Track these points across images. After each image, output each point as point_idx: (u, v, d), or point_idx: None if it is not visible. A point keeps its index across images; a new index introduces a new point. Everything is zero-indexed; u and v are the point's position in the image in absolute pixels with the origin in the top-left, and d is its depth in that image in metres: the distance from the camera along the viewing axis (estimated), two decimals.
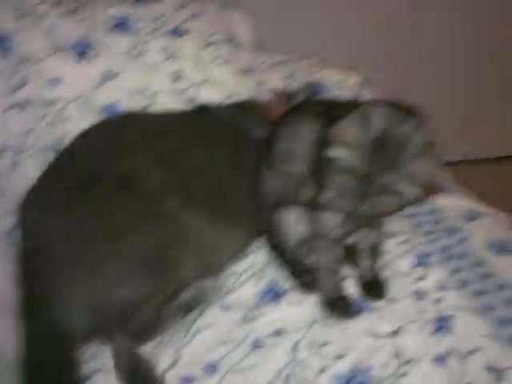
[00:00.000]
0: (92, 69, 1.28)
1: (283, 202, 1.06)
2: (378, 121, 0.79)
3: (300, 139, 1.00)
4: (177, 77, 1.37)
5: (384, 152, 0.78)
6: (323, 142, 0.90)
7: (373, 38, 2.18)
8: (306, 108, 1.08)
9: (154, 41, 1.35)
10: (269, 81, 1.57)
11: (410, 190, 0.83)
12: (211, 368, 0.92)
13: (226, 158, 1.16)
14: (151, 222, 1.00)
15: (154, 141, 1.11)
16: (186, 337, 0.98)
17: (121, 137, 1.13)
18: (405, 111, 0.83)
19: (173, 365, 0.94)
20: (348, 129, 0.80)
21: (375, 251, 1.05)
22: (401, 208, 0.88)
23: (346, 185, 0.81)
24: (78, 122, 1.23)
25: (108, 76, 1.30)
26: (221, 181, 1.13)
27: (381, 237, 1.06)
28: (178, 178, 1.06)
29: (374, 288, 1.03)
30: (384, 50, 2.22)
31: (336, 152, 0.80)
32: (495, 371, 0.86)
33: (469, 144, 2.57)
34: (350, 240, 1.04)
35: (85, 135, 1.16)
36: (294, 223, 1.06)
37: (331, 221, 0.97)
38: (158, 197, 1.02)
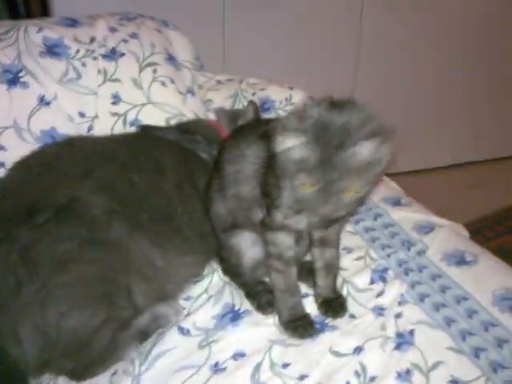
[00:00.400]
0: (26, 95, 1.27)
1: (234, 225, 1.04)
2: (313, 111, 0.77)
3: (247, 159, 0.98)
4: (116, 100, 1.36)
5: (327, 140, 0.77)
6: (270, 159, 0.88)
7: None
8: (250, 128, 1.07)
9: (89, 64, 1.34)
10: (214, 100, 1.57)
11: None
12: None
13: (173, 180, 1.14)
14: (96, 250, 0.96)
15: (95, 167, 1.07)
16: (144, 363, 0.93)
17: (60, 164, 1.09)
18: (339, 102, 0.81)
19: None
20: (286, 120, 0.78)
21: (332, 269, 1.04)
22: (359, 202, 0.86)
23: (302, 181, 0.78)
24: (15, 149, 1.20)
25: (43, 101, 1.28)
26: (168, 204, 1.11)
27: (337, 254, 1.04)
28: (121, 205, 1.03)
29: (333, 306, 1.01)
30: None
31: (281, 142, 0.78)
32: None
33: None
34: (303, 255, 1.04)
35: (22, 164, 1.11)
36: (247, 247, 1.04)
37: (284, 241, 0.95)
38: (102, 224, 0.99)
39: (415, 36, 2.41)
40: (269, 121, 0.98)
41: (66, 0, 1.79)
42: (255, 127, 1.04)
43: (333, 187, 0.76)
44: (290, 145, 0.76)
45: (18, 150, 1.19)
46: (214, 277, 1.12)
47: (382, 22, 2.31)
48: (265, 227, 0.96)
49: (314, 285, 1.05)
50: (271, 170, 0.88)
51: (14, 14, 2.00)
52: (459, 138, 2.75)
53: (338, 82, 2.31)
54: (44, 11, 1.83)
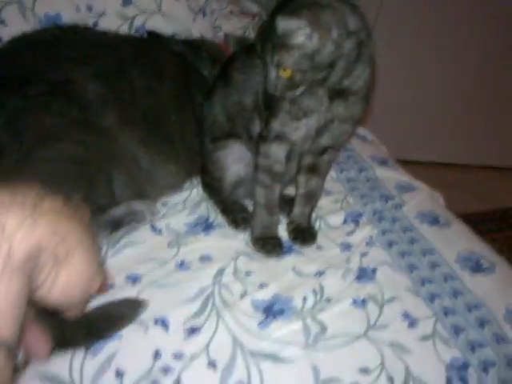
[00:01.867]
0: None
1: (230, 134, 1.06)
2: None
3: (255, 70, 1.00)
4: (126, 2, 1.34)
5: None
6: None
7: None
8: None
9: None
10: (224, 28, 1.57)
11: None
12: (133, 279, 0.90)
13: (171, 88, 1.15)
14: (85, 132, 0.97)
15: (95, 56, 1.08)
16: (111, 250, 0.96)
17: (61, 46, 1.10)
18: None
19: None
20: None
21: (312, 199, 1.07)
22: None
23: (302, 68, 0.83)
24: (15, 27, 1.19)
25: None
26: (162, 109, 1.12)
27: (321, 185, 1.08)
28: (116, 96, 1.04)
29: (303, 234, 1.05)
30: None
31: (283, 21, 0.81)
32: (410, 318, 0.88)
33: None
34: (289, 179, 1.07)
35: (22, 38, 1.11)
36: (233, 161, 1.07)
37: (276, 153, 0.98)
38: (95, 109, 1.00)
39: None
40: None
41: None
42: None
43: (267, 58, 0.84)
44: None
45: (19, 28, 1.18)
46: (193, 192, 1.15)
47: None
48: (260, 139, 0.99)
49: (289, 212, 1.08)
50: None
51: None
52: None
53: None
54: None
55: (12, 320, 0.41)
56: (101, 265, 0.54)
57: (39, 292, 0.46)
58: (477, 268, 1.01)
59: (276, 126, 0.96)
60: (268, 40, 0.83)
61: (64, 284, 0.46)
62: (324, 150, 1.03)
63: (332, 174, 1.23)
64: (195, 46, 1.30)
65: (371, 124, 1.81)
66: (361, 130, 1.47)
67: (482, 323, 0.88)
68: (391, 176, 1.27)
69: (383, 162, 1.33)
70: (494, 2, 2.42)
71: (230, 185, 1.08)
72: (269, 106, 0.97)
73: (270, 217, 1.02)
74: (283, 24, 0.79)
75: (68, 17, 1.27)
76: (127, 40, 1.24)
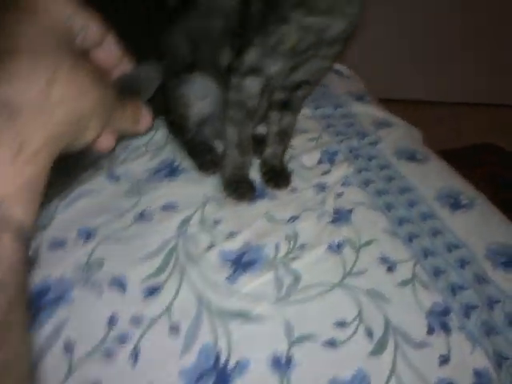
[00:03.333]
0: None
1: (193, 65, 0.92)
2: None
3: None
4: None
5: None
6: None
7: None
8: None
9: None
10: None
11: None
12: (86, 234, 0.81)
13: None
14: None
15: None
16: (61, 203, 0.86)
17: None
18: None
19: (44, 227, 0.81)
20: None
21: (285, 137, 0.97)
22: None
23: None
24: None
25: None
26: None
27: (294, 122, 0.98)
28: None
29: (277, 176, 0.96)
30: None
31: None
32: (387, 262, 0.81)
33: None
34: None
35: None
36: (196, 97, 0.93)
37: (251, 87, 0.85)
38: None
39: None
40: None
41: None
42: None
43: None
44: None
45: None
46: (157, 134, 1.04)
47: None
48: (232, 70, 0.85)
49: (261, 152, 0.98)
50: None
51: None
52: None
53: None
54: None
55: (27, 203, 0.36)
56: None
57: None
58: (456, 205, 0.94)
59: (252, 56, 0.81)
60: None
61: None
62: (298, 85, 0.92)
63: (307, 111, 1.13)
64: None
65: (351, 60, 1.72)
66: (337, 65, 1.36)
67: (462, 264, 0.82)
68: (368, 112, 1.18)
69: (360, 98, 1.23)
70: None
71: (195, 123, 0.96)
72: (245, 30, 0.81)
73: (242, 157, 0.91)
74: None
75: None
76: None
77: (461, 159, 2.35)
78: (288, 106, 0.95)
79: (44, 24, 0.38)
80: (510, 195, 2.00)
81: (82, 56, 0.40)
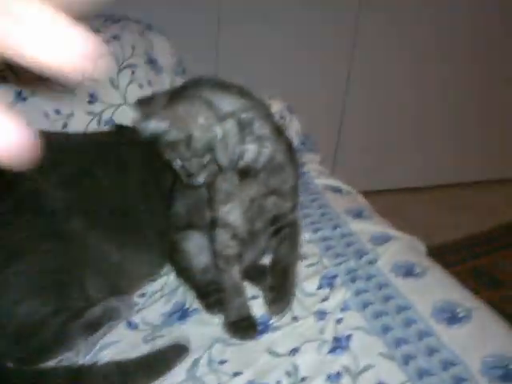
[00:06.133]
0: (3, 90, 1.25)
1: (189, 225, 1.06)
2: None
3: None
4: (92, 99, 1.36)
5: None
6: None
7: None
8: None
9: None
10: None
11: None
12: None
13: (138, 179, 1.14)
14: (53, 242, 0.97)
15: (61, 162, 1.07)
16: (89, 354, 0.94)
17: None
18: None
19: None
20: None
21: (287, 269, 1.04)
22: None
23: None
24: None
25: (20, 96, 1.27)
26: (129, 201, 1.11)
27: (294, 256, 1.06)
28: (82, 199, 1.04)
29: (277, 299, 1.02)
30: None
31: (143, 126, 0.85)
32: None
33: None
34: (250, 258, 1.06)
35: None
36: (196, 252, 1.06)
37: (222, 238, 0.98)
38: (61, 217, 1.00)
39: (410, 54, 2.40)
40: None
41: None
42: None
43: None
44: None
45: None
46: (171, 276, 1.13)
47: (378, 41, 2.31)
48: (211, 226, 0.99)
49: (263, 287, 1.05)
50: None
51: None
52: (446, 158, 2.72)
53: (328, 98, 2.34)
54: None
55: None
56: None
57: None
58: (452, 319, 0.95)
59: (214, 212, 0.97)
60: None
61: None
62: (278, 230, 1.03)
63: (306, 235, 1.20)
64: None
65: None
66: (334, 182, 1.44)
67: (457, 382, 0.83)
68: (366, 228, 1.23)
69: (358, 214, 1.29)
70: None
71: (198, 272, 1.06)
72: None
73: (237, 298, 0.99)
74: (145, 128, 0.83)
75: (38, 124, 1.28)
76: (92, 139, 1.24)
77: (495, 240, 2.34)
78: (280, 246, 1.05)
79: None
80: None
81: None
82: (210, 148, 0.84)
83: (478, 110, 2.69)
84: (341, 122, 2.48)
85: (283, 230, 1.04)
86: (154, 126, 0.83)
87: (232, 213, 0.96)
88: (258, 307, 1.02)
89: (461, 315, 0.97)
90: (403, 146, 2.63)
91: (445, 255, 2.12)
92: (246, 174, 0.92)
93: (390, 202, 2.26)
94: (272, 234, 1.04)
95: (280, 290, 1.02)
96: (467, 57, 2.49)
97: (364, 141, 2.55)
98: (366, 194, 1.48)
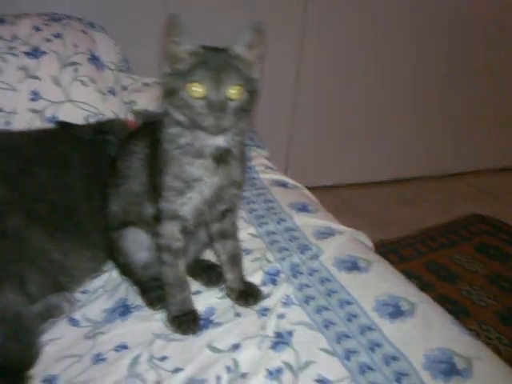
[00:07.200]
0: None
1: (125, 223, 1.02)
2: None
3: (135, 155, 0.98)
4: (35, 97, 1.35)
5: None
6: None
7: None
8: (142, 127, 1.09)
9: (9, 61, 1.33)
10: (138, 101, 1.56)
11: None
12: (49, 381, 0.84)
13: (79, 176, 1.12)
14: None
15: (0, 160, 1.05)
16: None
17: None
18: None
19: None
20: None
21: (236, 260, 1.03)
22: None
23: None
24: None
25: None
26: (70, 199, 1.09)
27: (238, 245, 1.04)
28: (21, 196, 1.01)
29: (250, 294, 1.01)
30: None
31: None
32: (325, 383, 0.82)
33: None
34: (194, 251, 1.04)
35: None
36: (135, 250, 1.02)
37: (171, 231, 0.94)
38: (1, 214, 0.97)
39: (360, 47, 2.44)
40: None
41: None
42: (145, 126, 1.07)
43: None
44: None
45: None
46: (113, 273, 1.09)
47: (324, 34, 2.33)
48: (155, 220, 0.94)
49: (206, 279, 1.05)
50: (155, 160, 0.91)
51: None
52: (401, 152, 2.76)
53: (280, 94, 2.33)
54: None
55: None
56: None
57: None
58: (396, 313, 0.95)
59: (163, 204, 0.92)
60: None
61: None
62: (223, 215, 0.99)
63: (251, 229, 1.18)
64: (103, 130, 1.27)
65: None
66: (280, 177, 1.43)
67: (399, 378, 0.82)
68: (310, 222, 1.22)
69: (303, 208, 1.28)
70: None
71: (139, 268, 1.03)
72: (155, 186, 0.93)
73: (181, 293, 0.96)
74: None
75: None
76: (33, 137, 1.20)
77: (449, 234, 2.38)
78: (225, 235, 1.01)
79: None
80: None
81: None
82: None
83: (437, 103, 2.74)
84: (292, 119, 2.48)
85: (229, 226, 1.01)
86: None
87: (187, 204, 0.91)
88: (199, 303, 1.00)
89: (404, 309, 0.96)
90: (356, 140, 2.65)
91: (400, 249, 2.16)
92: (222, 159, 0.89)
93: (344, 196, 2.27)
94: (220, 228, 1.01)
95: (244, 288, 1.02)
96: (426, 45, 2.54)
97: (317, 136, 2.56)
98: (319, 188, 1.48)
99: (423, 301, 0.99)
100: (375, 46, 2.44)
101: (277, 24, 2.16)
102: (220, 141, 0.88)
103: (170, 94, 0.84)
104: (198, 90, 0.81)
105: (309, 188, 1.48)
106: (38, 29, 1.41)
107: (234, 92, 0.82)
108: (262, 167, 1.50)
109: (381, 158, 2.73)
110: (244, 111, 0.85)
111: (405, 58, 2.54)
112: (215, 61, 0.83)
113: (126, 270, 1.05)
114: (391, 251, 2.14)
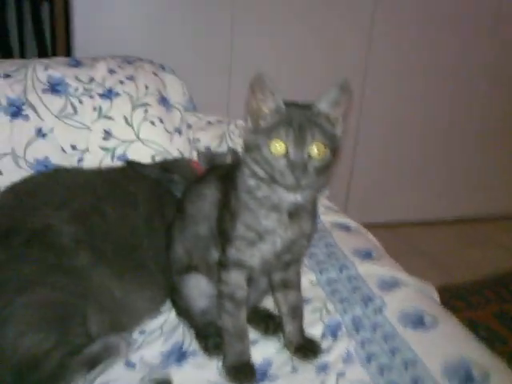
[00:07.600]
0: (25, 126, 1.31)
1: (189, 267, 1.01)
2: None
3: (205, 198, 0.97)
4: (107, 135, 1.39)
5: None
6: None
7: None
8: (212, 171, 1.06)
9: (85, 101, 1.38)
10: (202, 139, 1.58)
11: None
12: None
13: (144, 214, 1.13)
14: (60, 276, 0.96)
15: (72, 198, 1.09)
16: None
17: (43, 193, 1.11)
18: None
19: None
20: None
21: (297, 312, 0.99)
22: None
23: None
24: (11, 175, 1.25)
25: (41, 133, 1.33)
26: (134, 237, 1.09)
27: (300, 296, 1.00)
28: (90, 235, 1.03)
29: (309, 349, 0.96)
30: None
31: None
32: None
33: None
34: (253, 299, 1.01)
35: (11, 189, 1.13)
36: (196, 295, 1.00)
37: (237, 280, 0.91)
38: (69, 252, 0.99)
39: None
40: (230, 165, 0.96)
41: (87, 42, 1.90)
42: (216, 170, 1.04)
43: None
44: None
45: (14, 175, 1.22)
46: (171, 314, 1.08)
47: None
48: (220, 266, 0.92)
49: (265, 328, 1.02)
50: (227, 206, 0.89)
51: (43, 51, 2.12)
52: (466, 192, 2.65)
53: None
54: (67, 50, 1.92)
55: None
56: None
57: None
58: (467, 380, 0.86)
59: (233, 253, 0.89)
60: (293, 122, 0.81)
61: None
62: (288, 264, 0.96)
63: (311, 276, 1.14)
64: (169, 168, 1.28)
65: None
66: (342, 219, 1.37)
67: None
68: (374, 271, 1.16)
69: (367, 255, 1.22)
70: None
71: (198, 314, 1.01)
72: (223, 232, 0.91)
73: (240, 343, 0.93)
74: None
75: (56, 158, 1.33)
76: (104, 174, 1.23)
77: None
78: (287, 285, 0.98)
79: None
80: None
81: None
82: None
83: (495, 144, 2.62)
84: (354, 151, 2.44)
85: (292, 276, 0.99)
86: None
87: (257, 255, 0.89)
88: (256, 353, 0.96)
89: (475, 375, 0.87)
90: (419, 175, 2.57)
91: (467, 295, 2.02)
92: (296, 213, 0.88)
93: (406, 236, 2.17)
94: (283, 278, 0.99)
95: (303, 341, 0.98)
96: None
97: (376, 173, 2.50)
98: (380, 226, 1.41)
99: (497, 367, 0.90)
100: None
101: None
102: (298, 197, 0.85)
103: (251, 149, 0.84)
104: (279, 148, 0.80)
105: (369, 225, 1.42)
106: (112, 71, 1.46)
107: (316, 151, 0.80)
108: (323, 208, 1.46)
109: (447, 195, 2.63)
110: (325, 168, 0.82)
111: (472, 83, 2.47)
112: (298, 119, 0.81)
113: (185, 314, 1.03)
114: (456, 297, 2.01)
